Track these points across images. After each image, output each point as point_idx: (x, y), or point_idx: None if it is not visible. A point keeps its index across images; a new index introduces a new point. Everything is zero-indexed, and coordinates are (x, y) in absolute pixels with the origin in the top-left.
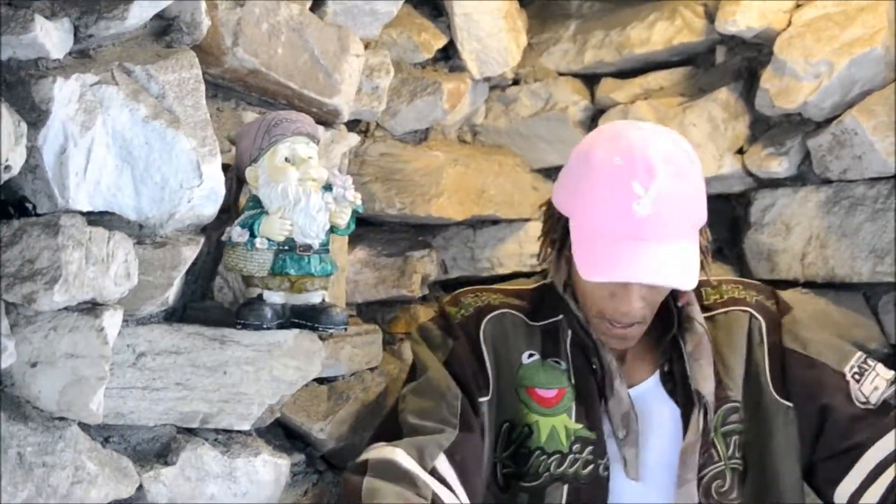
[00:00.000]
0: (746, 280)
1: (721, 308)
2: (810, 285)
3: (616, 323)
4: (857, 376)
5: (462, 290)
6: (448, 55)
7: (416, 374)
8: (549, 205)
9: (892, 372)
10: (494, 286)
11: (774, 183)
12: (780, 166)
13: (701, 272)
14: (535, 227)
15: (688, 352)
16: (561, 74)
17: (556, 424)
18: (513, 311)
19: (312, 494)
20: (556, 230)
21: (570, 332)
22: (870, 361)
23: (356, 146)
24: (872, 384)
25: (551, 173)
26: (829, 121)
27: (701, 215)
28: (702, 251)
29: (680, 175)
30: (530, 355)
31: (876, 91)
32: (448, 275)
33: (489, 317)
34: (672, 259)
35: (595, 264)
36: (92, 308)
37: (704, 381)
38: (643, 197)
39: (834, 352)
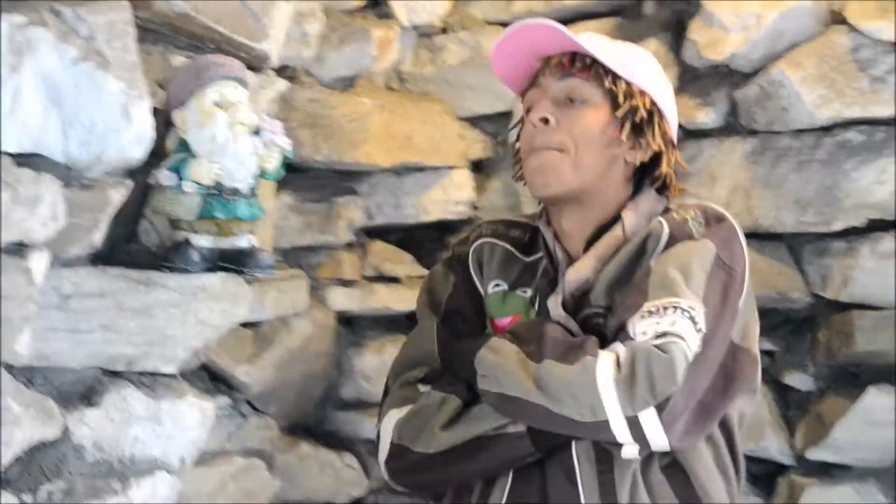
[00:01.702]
0: (707, 206)
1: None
2: None
3: (536, 142)
4: (650, 313)
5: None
6: (377, 2)
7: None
8: None
9: (684, 329)
10: (508, 216)
11: (701, 133)
12: (706, 117)
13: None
14: (461, 175)
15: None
16: (489, 24)
17: None
18: (494, 242)
19: (237, 438)
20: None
21: (544, 263)
22: (681, 310)
23: (284, 91)
24: (647, 326)
25: (478, 122)
26: (756, 72)
27: (626, 60)
28: (633, 113)
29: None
30: (496, 285)
31: (804, 44)
32: (373, 221)
33: (473, 247)
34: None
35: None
36: (19, 249)
37: (575, 270)
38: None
39: (661, 286)
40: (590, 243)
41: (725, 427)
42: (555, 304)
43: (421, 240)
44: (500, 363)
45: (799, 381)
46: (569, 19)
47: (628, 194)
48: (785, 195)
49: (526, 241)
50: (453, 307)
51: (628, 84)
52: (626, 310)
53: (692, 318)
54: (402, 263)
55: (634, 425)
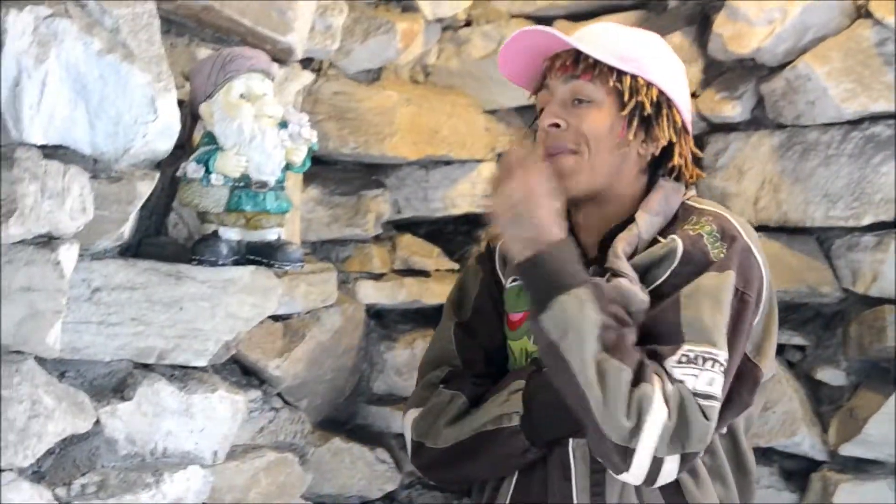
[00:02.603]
0: (723, 218)
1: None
2: (763, 229)
3: (549, 146)
4: (688, 359)
5: None
6: None
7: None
8: None
9: (719, 387)
10: None
11: (728, 127)
12: (733, 110)
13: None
14: (488, 168)
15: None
16: (514, 17)
17: (522, 348)
18: None
19: (269, 432)
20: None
21: None
22: (719, 364)
23: (309, 84)
24: (687, 373)
25: (503, 115)
26: (782, 66)
27: (632, 52)
28: (639, 109)
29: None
30: (514, 280)
31: (830, 37)
32: (401, 214)
33: (500, 242)
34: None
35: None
36: (48, 241)
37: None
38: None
39: (699, 329)
40: (603, 242)
41: (731, 434)
42: (615, 258)
43: (450, 233)
44: (577, 323)
45: (831, 376)
46: (593, 13)
47: (642, 186)
48: (813, 189)
49: None
50: (479, 305)
51: (634, 78)
52: (658, 337)
53: (725, 372)
54: (431, 257)
55: (656, 465)
